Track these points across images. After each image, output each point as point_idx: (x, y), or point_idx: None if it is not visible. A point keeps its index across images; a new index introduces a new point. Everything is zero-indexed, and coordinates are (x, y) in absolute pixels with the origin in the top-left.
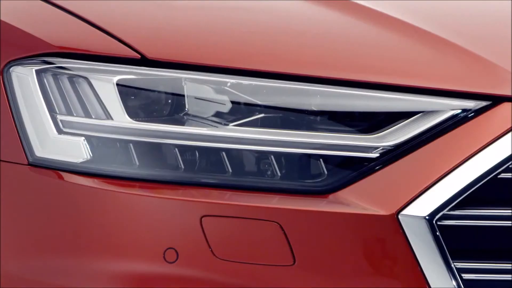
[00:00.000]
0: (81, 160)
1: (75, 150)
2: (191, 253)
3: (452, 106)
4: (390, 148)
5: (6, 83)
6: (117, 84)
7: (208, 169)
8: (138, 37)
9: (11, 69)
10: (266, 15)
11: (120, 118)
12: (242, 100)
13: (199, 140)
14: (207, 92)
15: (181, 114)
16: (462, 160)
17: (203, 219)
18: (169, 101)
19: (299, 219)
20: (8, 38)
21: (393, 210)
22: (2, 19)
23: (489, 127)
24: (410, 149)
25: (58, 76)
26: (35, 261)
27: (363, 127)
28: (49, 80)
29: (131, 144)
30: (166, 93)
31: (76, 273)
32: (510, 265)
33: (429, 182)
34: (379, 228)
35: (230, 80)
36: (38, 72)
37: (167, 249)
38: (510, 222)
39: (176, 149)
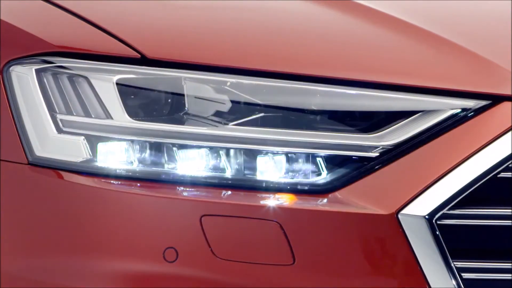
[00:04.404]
0: (81, 159)
1: (75, 150)
2: (191, 253)
3: (452, 106)
4: (390, 147)
5: (6, 82)
6: (117, 84)
7: (208, 169)
8: (138, 36)
9: (11, 68)
10: (266, 15)
11: (120, 117)
12: (242, 100)
13: (199, 139)
14: (207, 91)
15: (181, 114)
16: (462, 159)
17: (203, 218)
18: (169, 100)
19: (298, 218)
20: (8, 37)
21: (393, 210)
22: (2, 18)
23: (489, 126)
24: (410, 148)
25: (58, 76)
26: (35, 261)
27: (363, 126)
28: (49, 79)
29: (131, 144)
30: (166, 92)
31: (76, 273)
32: (510, 264)
33: (429, 182)
34: (379, 227)
35: (230, 79)
36: (38, 72)
37: (167, 248)
38: (510, 221)
39: (176, 149)
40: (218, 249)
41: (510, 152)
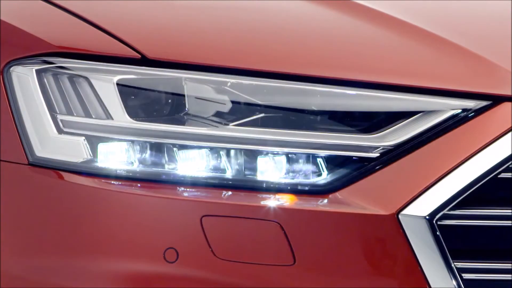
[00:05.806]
0: (81, 159)
1: (75, 150)
2: (191, 253)
3: (452, 106)
4: (390, 148)
5: (6, 82)
6: (117, 84)
7: (208, 169)
8: (138, 36)
9: (11, 68)
10: (266, 15)
11: (120, 118)
12: (242, 100)
13: (199, 140)
14: (207, 92)
15: (181, 114)
16: (462, 160)
17: (203, 219)
18: (169, 100)
19: (299, 219)
20: (8, 37)
21: (394, 210)
22: (2, 18)
23: (489, 127)
24: (410, 149)
25: (58, 76)
26: (35, 261)
27: (364, 127)
28: (49, 79)
29: (131, 144)
30: (166, 92)
31: (76, 273)
32: (510, 264)
33: (429, 182)
34: (379, 228)
35: (230, 80)
36: (38, 72)
37: (167, 249)
38: (510, 221)
39: (176, 149)
40: (219, 249)
41: (510, 153)
